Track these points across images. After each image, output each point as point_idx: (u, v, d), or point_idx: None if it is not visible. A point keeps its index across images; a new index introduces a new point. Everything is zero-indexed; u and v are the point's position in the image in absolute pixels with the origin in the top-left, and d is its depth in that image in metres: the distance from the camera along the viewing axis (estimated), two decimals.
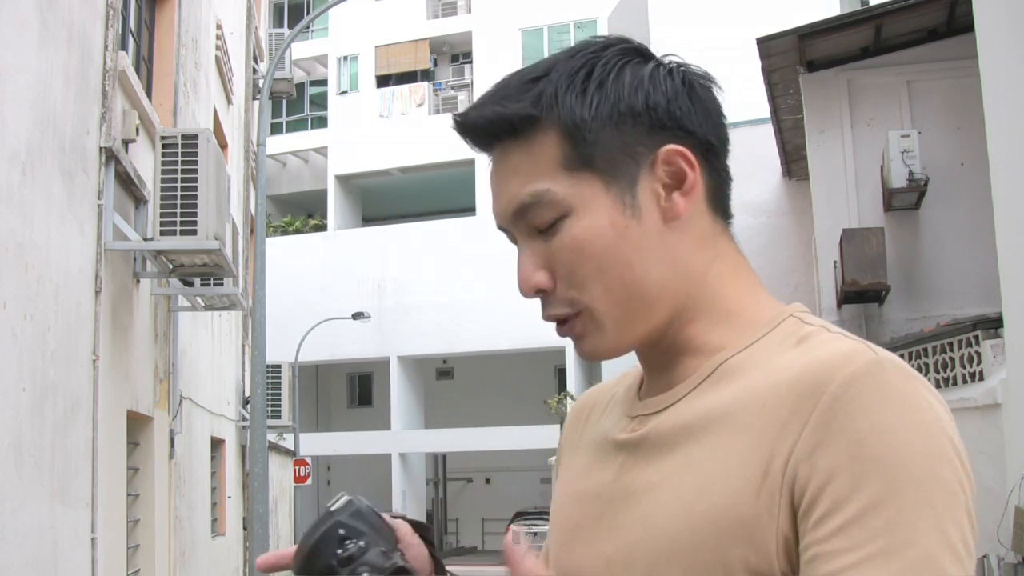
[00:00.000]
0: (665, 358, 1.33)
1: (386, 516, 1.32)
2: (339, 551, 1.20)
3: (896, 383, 1.13)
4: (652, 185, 1.28)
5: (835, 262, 15.07)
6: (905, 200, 14.49)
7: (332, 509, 1.26)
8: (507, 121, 1.28)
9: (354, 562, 1.19)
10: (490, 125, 1.30)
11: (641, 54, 1.33)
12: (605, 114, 1.27)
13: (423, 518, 44.12)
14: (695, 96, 1.32)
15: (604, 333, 1.30)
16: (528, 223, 1.30)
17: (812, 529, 1.11)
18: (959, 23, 14.17)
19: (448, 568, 1.44)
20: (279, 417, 20.29)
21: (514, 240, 1.35)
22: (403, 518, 1.39)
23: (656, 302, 1.28)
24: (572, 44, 1.36)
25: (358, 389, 49.02)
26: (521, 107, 1.28)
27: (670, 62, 1.34)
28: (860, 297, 14.69)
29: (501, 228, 1.35)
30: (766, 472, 1.15)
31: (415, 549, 1.37)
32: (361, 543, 1.21)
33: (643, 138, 1.28)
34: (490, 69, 39.46)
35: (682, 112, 1.30)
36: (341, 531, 1.22)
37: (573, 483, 1.43)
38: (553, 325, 1.35)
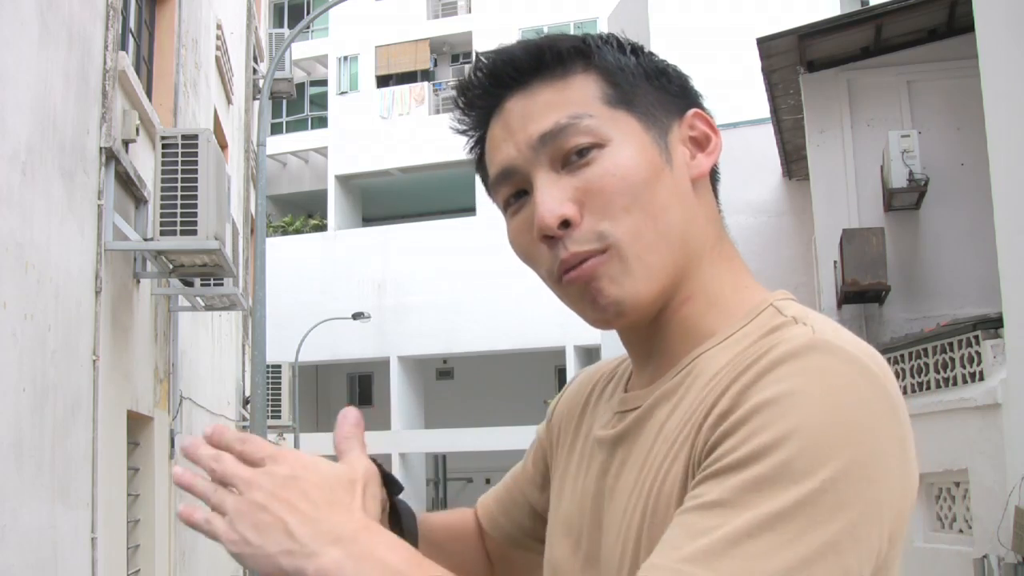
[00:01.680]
0: (651, 345, 1.30)
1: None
2: None
3: (823, 361, 1.07)
4: (682, 138, 1.30)
5: (835, 262, 15.08)
6: (905, 200, 14.49)
7: None
8: (557, 51, 1.28)
9: None
10: (538, 53, 1.28)
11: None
12: (644, 67, 1.31)
13: None
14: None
15: (631, 276, 1.23)
16: (556, 149, 1.25)
17: (695, 485, 1.07)
18: (959, 23, 14.18)
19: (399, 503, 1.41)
20: (279, 417, 20.30)
21: (507, 202, 1.31)
22: (377, 465, 1.36)
23: (679, 254, 1.25)
24: None
25: (358, 389, 49.01)
26: (572, 42, 1.29)
27: None
28: (860, 297, 14.70)
29: (506, 172, 1.29)
30: (691, 451, 1.13)
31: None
32: None
33: (674, 97, 1.31)
34: None
35: (695, 92, 1.35)
36: None
37: (569, 476, 1.41)
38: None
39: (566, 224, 1.23)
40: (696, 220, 1.27)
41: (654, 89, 1.30)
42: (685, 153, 1.29)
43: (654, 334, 1.30)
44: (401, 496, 1.42)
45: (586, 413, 1.45)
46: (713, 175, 1.34)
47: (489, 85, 1.30)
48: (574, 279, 1.24)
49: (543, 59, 1.27)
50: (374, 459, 1.38)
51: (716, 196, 1.36)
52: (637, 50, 1.33)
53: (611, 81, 1.27)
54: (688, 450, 1.13)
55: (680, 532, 1.03)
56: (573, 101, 1.26)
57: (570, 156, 1.24)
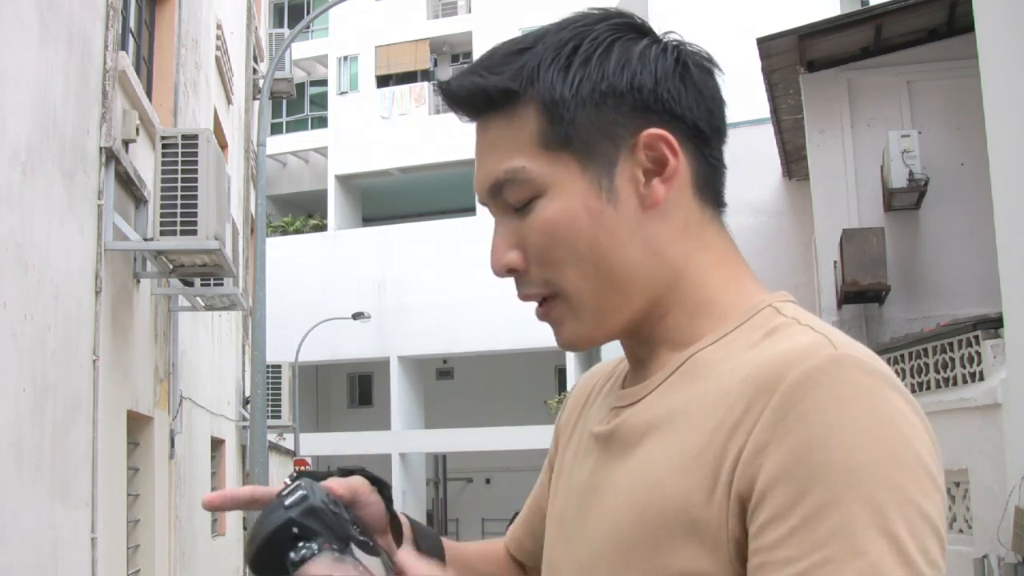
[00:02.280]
0: (643, 349, 1.29)
1: (336, 487, 1.25)
2: (292, 554, 1.15)
3: (853, 380, 1.05)
4: (632, 169, 1.23)
5: (835, 262, 15.08)
6: (905, 200, 14.49)
7: (286, 504, 1.19)
8: (485, 93, 1.25)
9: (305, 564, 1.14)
10: (470, 96, 1.26)
11: (637, 30, 1.28)
12: (586, 92, 1.22)
13: (423, 518, 44.15)
14: (688, 78, 1.26)
15: (581, 321, 1.26)
16: (503, 200, 1.26)
17: (757, 535, 1.06)
18: (959, 23, 14.17)
19: (406, 521, 1.41)
20: (279, 417, 20.31)
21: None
22: (361, 472, 1.34)
23: (632, 291, 1.23)
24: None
25: (358, 389, 49.04)
26: (500, 80, 1.23)
27: (668, 40, 1.29)
28: (860, 297, 14.70)
29: (482, 203, 1.32)
30: (717, 474, 1.10)
31: (372, 507, 1.31)
32: (314, 546, 1.16)
33: (625, 120, 1.23)
34: None
35: (670, 94, 1.24)
36: (295, 530, 1.17)
37: (565, 473, 1.41)
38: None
39: (514, 270, 1.27)
40: (656, 248, 1.23)
41: (600, 114, 1.23)
42: (638, 181, 1.23)
43: (639, 344, 1.29)
44: (404, 493, 1.42)
45: (584, 411, 1.45)
46: (711, 164, 1.28)
47: (457, 113, 1.30)
48: (537, 314, 1.29)
49: (478, 103, 1.26)
50: (359, 469, 1.36)
51: (717, 185, 1.30)
52: (591, 58, 1.23)
53: (549, 118, 1.22)
54: (711, 470, 1.11)
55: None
56: (514, 144, 1.23)
57: (515, 205, 1.25)
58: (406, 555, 1.31)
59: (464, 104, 1.27)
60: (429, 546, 1.43)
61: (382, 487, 1.35)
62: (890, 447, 1.03)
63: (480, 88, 1.24)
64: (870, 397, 1.05)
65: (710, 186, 1.28)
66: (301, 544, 1.16)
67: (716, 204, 1.29)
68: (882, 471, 1.02)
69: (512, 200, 1.25)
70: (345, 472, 1.34)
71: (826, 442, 1.03)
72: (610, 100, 1.22)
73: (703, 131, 1.26)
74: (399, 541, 1.36)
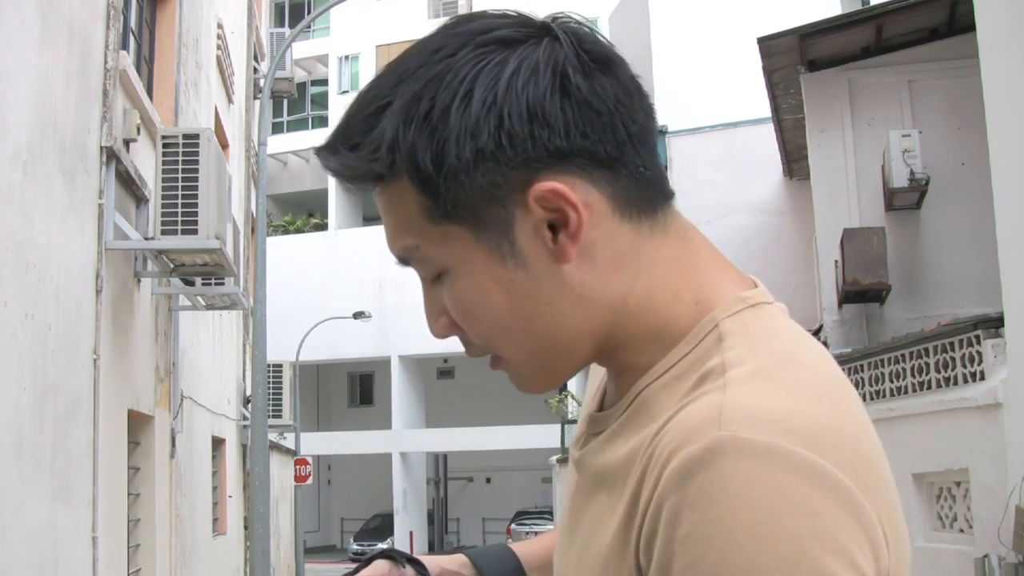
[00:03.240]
0: (608, 368, 1.22)
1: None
2: None
3: (729, 472, 0.93)
4: (534, 226, 1.08)
5: (836, 261, 15.07)
6: (906, 200, 14.49)
7: None
8: (351, 176, 1.13)
9: None
10: (339, 177, 1.15)
11: (506, 44, 1.09)
12: (453, 159, 1.07)
13: (423, 518, 44.15)
14: (572, 95, 1.07)
15: (530, 379, 1.18)
16: (416, 270, 1.17)
17: None
18: (960, 23, 14.18)
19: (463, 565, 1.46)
20: (280, 416, 20.31)
21: None
22: (385, 553, 1.41)
23: (573, 345, 1.13)
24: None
25: (359, 388, 49.12)
26: (359, 163, 1.10)
27: (545, 44, 1.09)
28: (861, 297, 14.69)
29: None
30: (624, 552, 1.04)
31: None
32: None
33: (507, 177, 1.07)
34: None
35: (551, 130, 1.06)
36: None
37: (569, 467, 1.36)
38: None
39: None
40: (587, 296, 1.10)
41: (477, 178, 1.07)
42: (544, 237, 1.08)
43: (603, 362, 1.21)
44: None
45: (585, 403, 1.38)
46: (634, 178, 1.11)
47: None
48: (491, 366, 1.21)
49: (347, 181, 1.15)
50: (387, 551, 1.42)
51: (647, 194, 1.13)
52: (449, 111, 1.06)
53: (422, 190, 1.08)
54: (624, 539, 1.05)
55: None
56: (402, 220, 1.12)
57: (427, 279, 1.16)
58: None
59: (340, 181, 1.16)
60: (500, 572, 1.46)
61: (410, 560, 1.41)
62: (763, 550, 0.91)
63: (344, 171, 1.13)
64: (748, 491, 0.92)
65: (639, 200, 1.12)
66: None
67: (654, 209, 1.14)
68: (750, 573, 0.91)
69: (422, 274, 1.16)
70: (368, 561, 1.39)
71: (689, 548, 0.94)
72: (483, 161, 1.07)
73: (608, 154, 1.09)
74: None
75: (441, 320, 1.17)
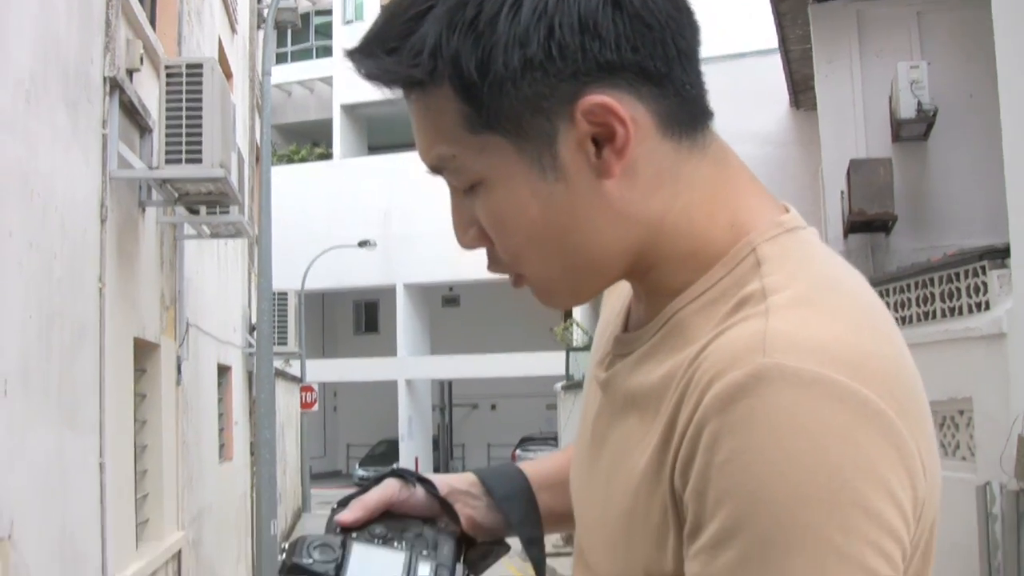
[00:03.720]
0: (638, 288, 1.21)
1: (345, 516, 1.34)
2: None
3: (773, 399, 0.92)
4: (578, 140, 1.06)
5: (842, 192, 15.04)
6: (913, 131, 14.43)
7: (279, 567, 1.29)
8: (388, 81, 1.10)
9: None
10: (374, 81, 1.11)
11: None
12: (500, 67, 1.04)
13: (429, 444, 44.33)
14: (623, 10, 1.04)
15: (558, 296, 1.17)
16: (447, 180, 1.15)
17: (686, 545, 0.99)
18: None
19: (473, 482, 1.48)
20: (285, 344, 20.36)
21: None
22: (393, 473, 1.41)
23: (606, 262, 1.12)
24: None
25: (364, 316, 49.24)
26: (398, 67, 1.08)
27: None
28: (867, 227, 14.67)
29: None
30: (658, 476, 1.04)
31: (414, 499, 1.39)
32: None
33: (554, 90, 1.05)
34: None
35: (602, 42, 1.04)
36: None
37: (585, 389, 1.35)
38: None
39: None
40: (625, 213, 1.08)
41: (523, 89, 1.05)
42: (588, 151, 1.06)
43: (634, 282, 1.20)
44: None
45: (610, 322, 1.34)
46: (680, 96, 1.09)
47: None
48: (512, 284, 1.20)
49: (382, 85, 1.11)
50: (391, 471, 1.43)
51: (691, 112, 1.11)
52: (498, 19, 1.03)
53: (465, 99, 1.06)
54: (657, 464, 1.05)
55: None
56: (439, 128, 1.10)
57: (459, 188, 1.15)
58: None
59: (374, 84, 1.11)
60: (508, 492, 1.46)
61: (420, 479, 1.42)
62: (805, 479, 0.91)
63: (381, 75, 1.10)
64: (791, 420, 0.92)
65: (682, 118, 1.11)
66: None
67: (695, 128, 1.12)
68: (788, 508, 0.91)
69: (454, 184, 1.14)
70: (378, 480, 1.40)
71: (727, 474, 0.93)
72: (531, 70, 1.04)
73: (657, 69, 1.06)
74: (456, 520, 1.39)
75: (470, 232, 1.16)
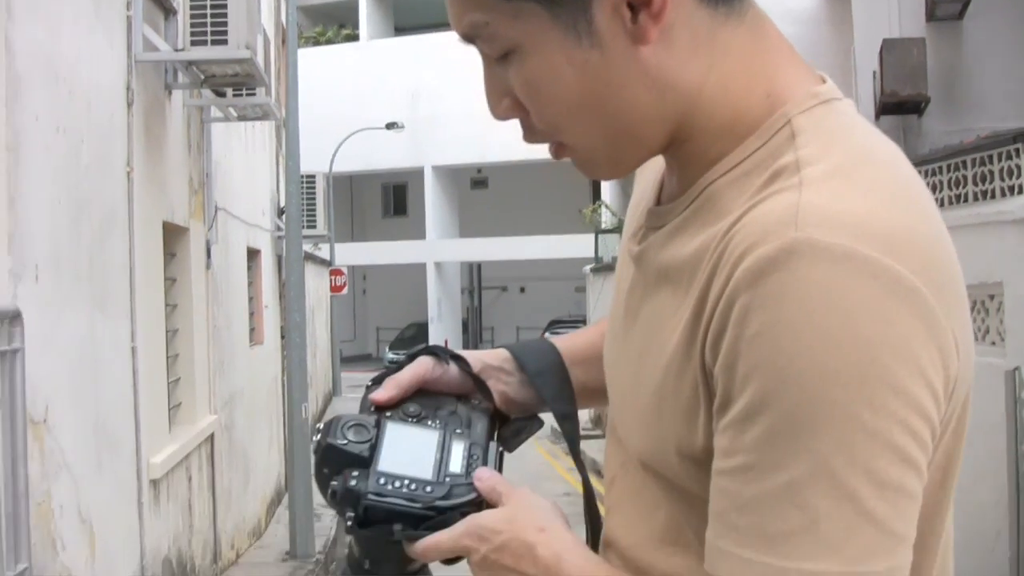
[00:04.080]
0: (672, 161, 1.19)
1: (380, 395, 1.34)
2: (329, 491, 1.26)
3: (804, 273, 0.91)
4: (613, 4, 1.04)
5: (874, 73, 14.87)
6: (948, 10, 14.20)
7: (313, 448, 1.30)
8: None
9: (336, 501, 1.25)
10: None
11: None
12: None
13: (458, 327, 44.66)
14: None
15: (596, 167, 1.16)
16: (480, 49, 1.13)
17: (715, 419, 0.99)
18: None
19: (507, 357, 1.48)
20: (314, 227, 20.37)
21: None
22: (426, 351, 1.42)
23: (644, 132, 1.10)
24: None
25: (392, 199, 49.26)
26: None
27: None
28: (899, 108, 14.53)
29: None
30: (690, 350, 1.03)
31: (448, 376, 1.40)
32: (334, 483, 1.24)
33: None
34: None
35: None
36: (324, 469, 1.27)
37: (619, 262, 1.34)
38: None
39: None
40: (662, 81, 1.06)
41: None
42: (623, 16, 1.04)
43: (668, 154, 1.18)
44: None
45: (642, 196, 1.33)
46: None
47: None
48: (550, 153, 1.18)
49: None
50: (424, 349, 1.43)
51: None
52: None
53: None
54: (689, 321, 1.04)
55: (726, 503, 0.98)
56: None
57: (492, 57, 1.12)
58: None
59: None
60: (541, 367, 1.46)
61: (453, 356, 1.42)
62: (834, 355, 0.90)
63: None
64: (821, 295, 0.91)
65: None
66: (332, 481, 1.25)
67: None
68: (816, 384, 0.90)
69: (487, 52, 1.12)
70: (411, 357, 1.40)
71: (757, 348, 0.93)
72: None
73: None
74: (489, 396, 1.39)
75: (504, 102, 1.14)
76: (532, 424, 1.47)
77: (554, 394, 1.44)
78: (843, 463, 0.91)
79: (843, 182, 0.98)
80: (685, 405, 1.05)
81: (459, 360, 1.42)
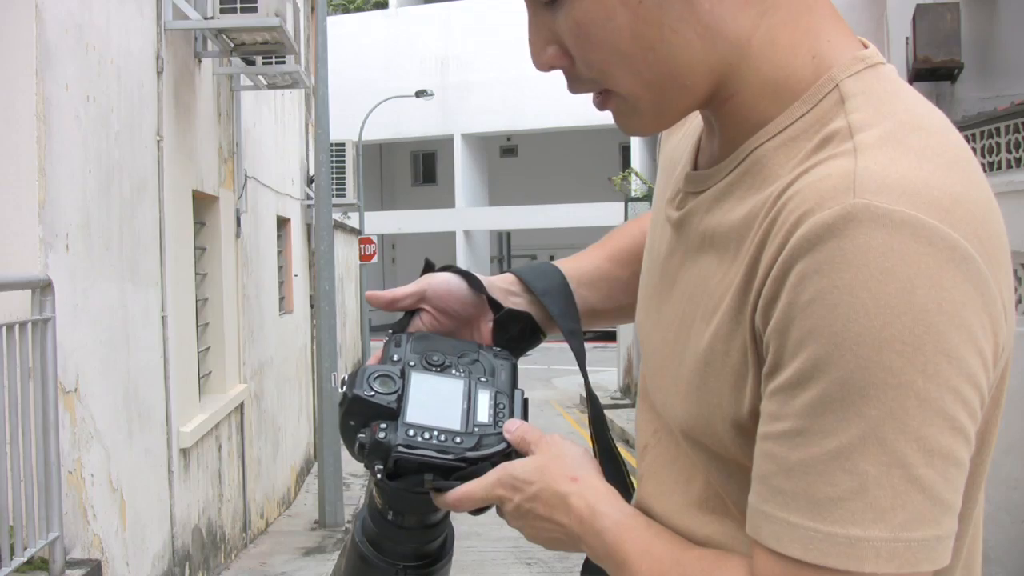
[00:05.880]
0: (713, 118, 1.16)
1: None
2: (356, 444, 1.27)
3: (861, 240, 0.91)
4: None
5: (907, 39, 14.72)
6: None
7: (340, 400, 1.31)
8: None
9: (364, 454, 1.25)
10: None
11: None
12: None
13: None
14: None
15: (641, 116, 1.12)
16: None
17: (764, 384, 0.99)
18: None
19: (511, 281, 1.53)
20: (344, 196, 20.39)
21: None
22: (444, 268, 1.49)
23: (692, 80, 1.08)
24: None
25: (422, 167, 49.21)
26: None
27: None
28: (932, 75, 14.38)
29: None
30: (739, 316, 1.03)
31: (454, 288, 1.46)
32: (362, 436, 1.26)
33: None
34: None
35: None
36: (351, 422, 1.28)
37: (655, 224, 1.32)
38: None
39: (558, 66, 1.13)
40: (712, 28, 1.05)
41: None
42: None
43: (710, 114, 1.16)
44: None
45: (674, 161, 1.32)
46: None
47: None
48: (595, 104, 1.15)
49: None
50: (429, 264, 1.49)
51: None
52: None
53: None
54: (739, 287, 1.03)
55: (772, 467, 0.97)
56: None
57: (541, 0, 1.10)
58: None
59: None
60: (547, 287, 1.51)
61: (462, 273, 1.47)
62: (890, 321, 0.90)
63: None
64: (879, 261, 0.91)
65: None
66: (360, 434, 1.26)
67: None
68: (871, 350, 0.90)
69: None
70: (428, 268, 1.50)
71: (812, 313, 0.93)
72: None
73: None
74: (498, 308, 1.47)
75: (549, 49, 1.12)
76: (521, 316, 1.49)
77: (561, 311, 1.48)
78: (894, 430, 0.90)
79: (897, 148, 0.97)
80: (733, 371, 1.04)
81: (468, 276, 1.46)
